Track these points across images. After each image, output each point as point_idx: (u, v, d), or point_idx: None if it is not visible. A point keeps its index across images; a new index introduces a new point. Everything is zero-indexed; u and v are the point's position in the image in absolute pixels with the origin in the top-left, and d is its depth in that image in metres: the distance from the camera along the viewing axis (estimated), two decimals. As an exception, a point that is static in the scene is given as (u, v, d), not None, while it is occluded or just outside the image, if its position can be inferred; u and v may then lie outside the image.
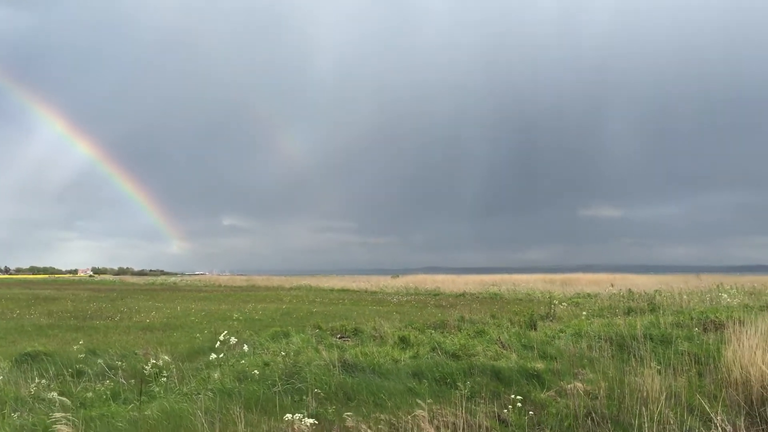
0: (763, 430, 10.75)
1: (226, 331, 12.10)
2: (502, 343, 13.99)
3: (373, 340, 15.77)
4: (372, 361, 11.44)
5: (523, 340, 14.42)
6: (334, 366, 10.59)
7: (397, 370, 10.94)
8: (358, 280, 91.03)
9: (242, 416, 7.59)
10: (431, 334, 15.96)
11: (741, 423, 10.60)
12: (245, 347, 11.78)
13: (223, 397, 8.64)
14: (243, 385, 9.39)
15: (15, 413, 7.81)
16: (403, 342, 14.31)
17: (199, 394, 8.92)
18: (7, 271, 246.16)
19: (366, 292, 61.62)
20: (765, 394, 11.81)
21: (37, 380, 9.26)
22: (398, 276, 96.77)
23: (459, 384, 10.20)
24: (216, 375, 10.06)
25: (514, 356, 12.71)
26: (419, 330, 17.31)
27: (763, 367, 12.19)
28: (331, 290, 66.63)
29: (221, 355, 10.61)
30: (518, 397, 9.72)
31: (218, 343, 11.36)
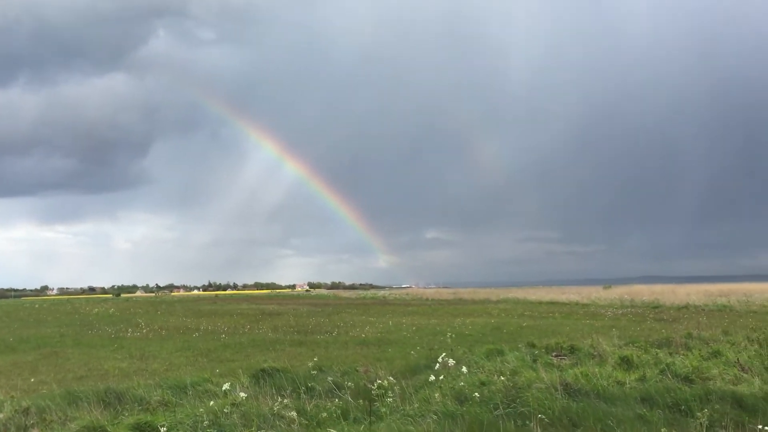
0: None
1: (444, 353, 12.24)
2: (741, 365, 12.70)
3: (592, 359, 15.08)
4: (594, 384, 10.94)
5: (766, 362, 12.99)
6: (555, 389, 10.26)
7: (623, 394, 10.35)
8: (567, 291, 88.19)
9: (466, 441, 7.58)
10: (656, 353, 14.92)
11: None
12: (464, 369, 11.81)
13: (447, 420, 8.70)
14: (464, 408, 9.40)
15: (260, 431, 8.46)
16: (626, 362, 13.52)
17: (423, 416, 9.07)
18: (235, 287, 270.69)
19: (577, 304, 59.45)
20: None
21: (279, 399, 9.96)
22: (610, 286, 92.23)
23: (695, 412, 9.40)
24: (437, 396, 10.18)
25: (757, 381, 11.47)
26: (641, 348, 16.26)
27: None
28: (540, 303, 65.19)
29: (441, 377, 10.73)
30: (766, 427, 8.73)
31: (437, 364, 11.51)
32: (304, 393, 11.43)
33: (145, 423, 9.25)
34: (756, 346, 16.27)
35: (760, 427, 8.76)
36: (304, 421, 9.06)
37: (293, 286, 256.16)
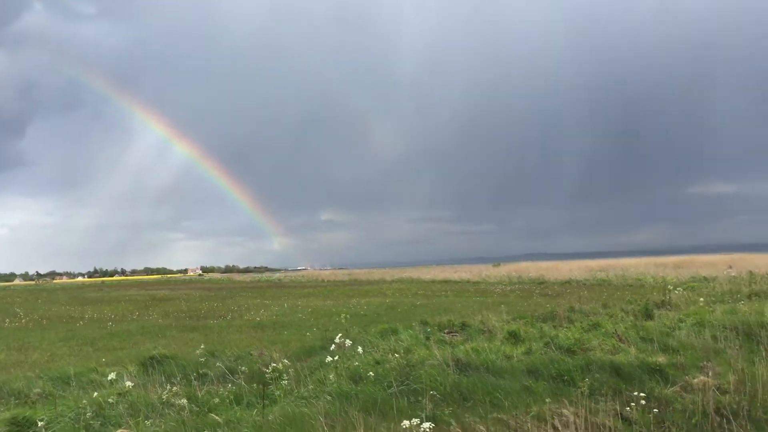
0: None
1: (340, 334, 12.25)
2: (618, 336, 13.49)
3: (482, 334, 15.59)
4: (484, 359, 11.29)
5: (641, 332, 13.84)
6: (447, 365, 10.52)
7: (511, 367, 10.74)
8: (459, 270, 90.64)
9: (361, 420, 7.63)
10: (541, 327, 15.60)
11: None
12: (359, 349, 11.89)
13: (341, 400, 8.73)
14: (359, 387, 9.46)
15: (148, 420, 8.18)
16: (513, 337, 14.05)
17: (317, 397, 9.06)
18: (123, 273, 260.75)
19: (468, 282, 61.21)
20: None
21: (168, 387, 9.67)
22: (500, 264, 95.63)
23: (577, 381, 9.91)
24: (332, 377, 10.20)
25: (632, 350, 12.21)
26: (528, 323, 16.96)
27: None
28: (433, 282, 66.61)
29: (336, 358, 10.75)
30: (641, 393, 9.32)
31: (333, 345, 11.51)
32: (195, 380, 11.16)
33: (22, 418, 8.73)
34: (632, 318, 17.34)
35: (636, 393, 9.35)
36: (195, 408, 8.85)
37: (185, 271, 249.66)
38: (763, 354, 11.92)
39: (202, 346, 14.06)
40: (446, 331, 16.54)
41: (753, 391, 10.07)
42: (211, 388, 10.35)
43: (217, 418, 7.69)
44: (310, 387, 9.79)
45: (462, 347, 12.85)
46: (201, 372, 11.68)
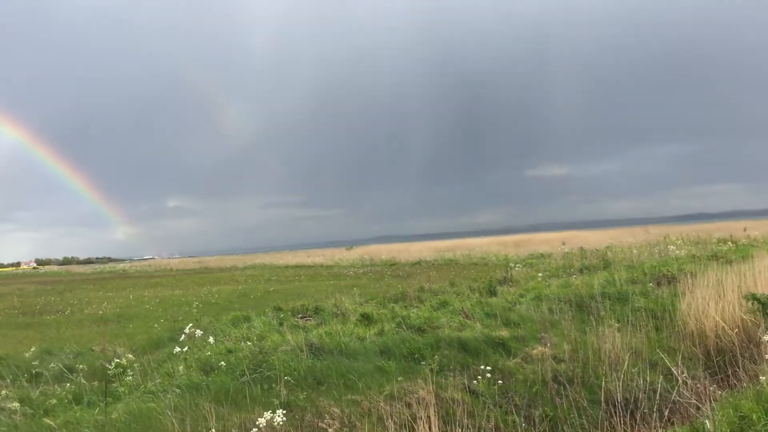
0: (720, 379, 11.13)
1: (190, 324, 11.83)
2: (465, 313, 14.07)
3: (336, 317, 15.67)
4: (338, 342, 11.36)
5: (485, 309, 14.53)
6: (301, 350, 10.47)
7: (364, 349, 10.89)
8: (312, 254, 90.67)
9: (212, 411, 7.43)
10: (393, 307, 15.93)
11: (699, 374, 10.95)
12: (211, 339, 11.53)
13: (192, 393, 8.45)
14: (210, 378, 9.20)
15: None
16: (366, 318, 14.24)
17: (165, 391, 8.70)
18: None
19: (321, 266, 61.39)
20: (720, 344, 12.20)
21: (-4, 390, 8.89)
22: (352, 248, 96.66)
23: (427, 359, 10.22)
24: (181, 368, 9.83)
25: (478, 326, 12.79)
26: (380, 304, 17.27)
27: (717, 318, 12.56)
28: (286, 267, 66.19)
29: (186, 349, 10.37)
30: (487, 367, 9.79)
31: (182, 336, 11.09)
32: (28, 381, 10.34)
33: None
34: (477, 295, 18.17)
35: (482, 367, 9.81)
36: (30, 411, 8.21)
37: (18, 264, 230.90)
38: (593, 323, 12.92)
39: (32, 349, 13.04)
40: (300, 316, 16.47)
41: (585, 359, 10.91)
42: (47, 389, 9.63)
43: (50, 422, 7.15)
44: (158, 381, 9.38)
45: (316, 331, 12.86)
46: (35, 372, 10.84)
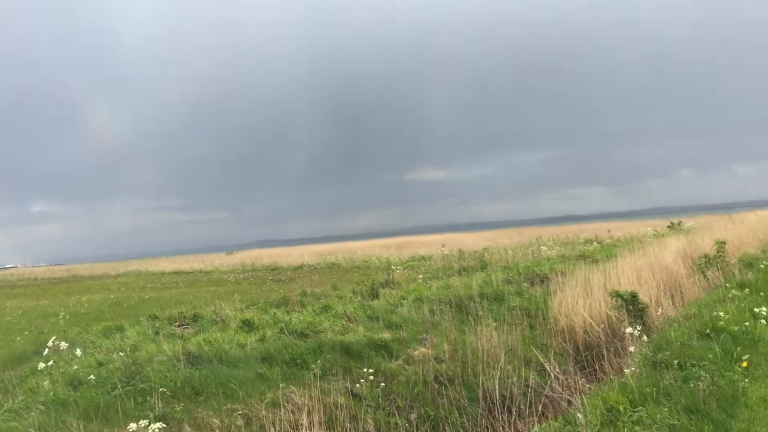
0: (589, 373, 11.75)
1: (55, 336, 11.07)
2: (348, 316, 14.07)
3: (215, 325, 15.23)
4: (218, 350, 11.04)
5: (368, 311, 14.59)
6: (178, 360, 10.08)
7: (245, 356, 10.65)
8: (190, 260, 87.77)
9: (81, 428, 6.99)
10: (275, 313, 15.67)
11: (570, 369, 11.52)
12: (78, 351, 10.85)
13: (58, 410, 7.91)
14: (79, 393, 8.66)
15: None
16: (247, 325, 13.93)
17: (29, 408, 8.10)
18: None
19: (200, 272, 59.58)
20: (588, 339, 12.90)
21: None
22: (233, 252, 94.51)
23: (310, 364, 10.13)
24: (46, 384, 9.19)
25: (361, 329, 12.82)
26: (262, 309, 16.96)
27: (585, 315, 13.28)
28: (163, 273, 63.71)
29: (51, 363, 9.69)
30: (369, 370, 9.83)
31: (46, 349, 10.37)
32: None
33: None
34: (359, 298, 18.22)
35: (364, 370, 9.83)
36: None
37: None
38: (472, 323, 13.31)
39: None
40: (177, 324, 15.87)
41: (464, 358, 11.20)
42: None
43: None
44: (21, 399, 8.72)
45: (194, 340, 12.43)
46: None
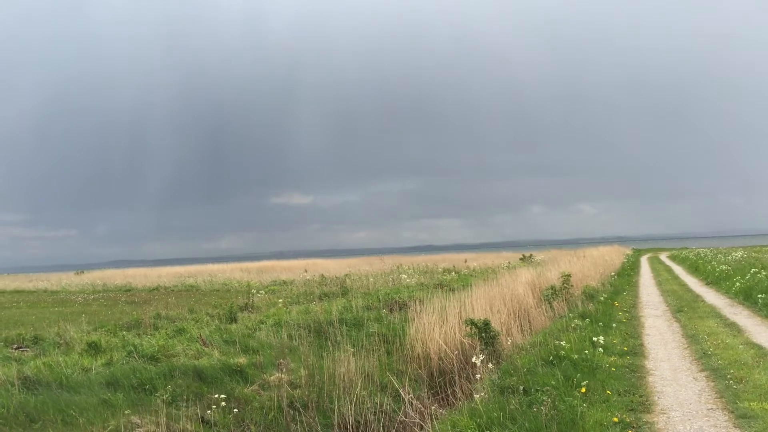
0: (442, 398, 12.08)
1: None
2: (203, 340, 13.66)
3: (58, 347, 14.29)
4: (58, 374, 10.35)
5: (224, 336, 14.25)
6: (12, 384, 9.33)
7: (89, 381, 10.05)
8: (35, 278, 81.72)
9: None
10: (124, 336, 14.95)
11: (424, 394, 11.78)
12: None
13: None
14: None
15: None
16: (94, 348, 13.17)
17: None
18: None
19: (46, 291, 55.67)
20: (443, 365, 13.28)
21: None
22: (83, 272, 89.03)
23: (160, 389, 9.73)
24: None
25: (216, 353, 12.49)
26: (111, 332, 16.11)
27: (441, 342, 13.68)
28: (3, 292, 58.97)
29: None
30: (222, 395, 9.58)
31: None
32: None
33: None
34: (217, 322, 17.78)
35: (216, 396, 9.57)
36: None
37: None
38: (330, 348, 13.32)
39: None
40: (15, 346, 14.75)
41: (321, 383, 11.18)
42: None
43: None
44: None
45: (32, 363, 11.58)
46: None
